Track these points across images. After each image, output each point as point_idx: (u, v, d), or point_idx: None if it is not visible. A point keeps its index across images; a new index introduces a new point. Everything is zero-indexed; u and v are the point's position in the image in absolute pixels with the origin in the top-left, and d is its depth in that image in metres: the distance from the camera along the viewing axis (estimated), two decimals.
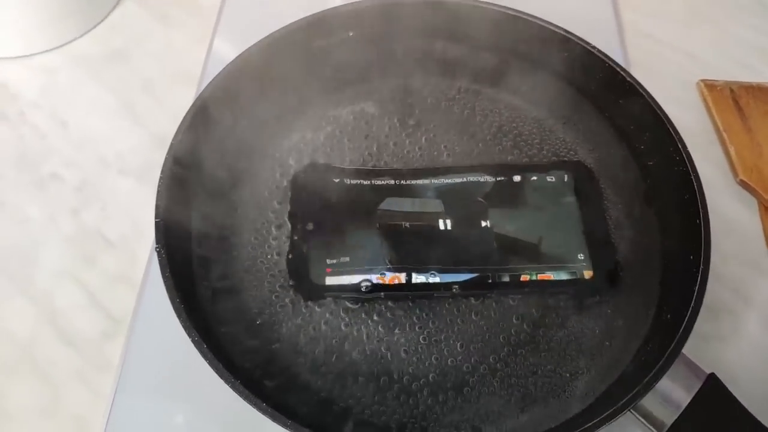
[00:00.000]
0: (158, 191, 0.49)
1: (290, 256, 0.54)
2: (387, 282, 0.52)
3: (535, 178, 0.58)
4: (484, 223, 0.55)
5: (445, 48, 0.63)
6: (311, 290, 0.53)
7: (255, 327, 0.52)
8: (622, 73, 0.56)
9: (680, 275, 0.50)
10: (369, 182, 0.57)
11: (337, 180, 0.57)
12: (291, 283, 0.53)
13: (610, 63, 0.57)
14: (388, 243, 0.54)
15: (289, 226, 0.56)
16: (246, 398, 0.42)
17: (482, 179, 0.57)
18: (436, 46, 0.62)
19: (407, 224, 0.55)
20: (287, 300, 0.53)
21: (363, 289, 0.52)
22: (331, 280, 0.53)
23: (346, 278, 0.53)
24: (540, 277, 0.53)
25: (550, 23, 0.58)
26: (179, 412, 0.51)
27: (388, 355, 0.51)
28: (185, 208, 0.52)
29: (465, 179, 0.58)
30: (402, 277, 0.52)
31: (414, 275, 0.53)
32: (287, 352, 0.51)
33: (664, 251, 0.53)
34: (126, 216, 0.60)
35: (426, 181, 0.57)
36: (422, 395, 0.49)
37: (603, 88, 0.58)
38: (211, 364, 0.43)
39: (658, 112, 0.54)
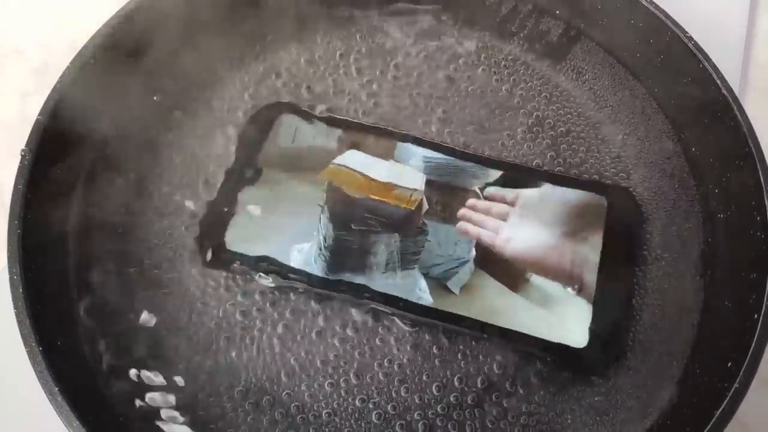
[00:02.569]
0: (55, 86, 0.39)
1: (209, 207, 0.42)
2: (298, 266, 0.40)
3: (561, 193, 0.42)
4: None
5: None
6: (218, 254, 0.41)
7: (130, 287, 0.40)
8: (725, 92, 0.40)
9: (705, 383, 0.35)
10: (339, 131, 0.44)
11: (302, 125, 0.44)
12: (197, 239, 0.41)
13: (713, 74, 0.40)
14: (331, 219, 0.41)
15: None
16: (39, 374, 0.32)
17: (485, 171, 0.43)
18: None
19: (370, 196, 0.41)
20: (187, 260, 0.41)
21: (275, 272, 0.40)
22: (247, 248, 0.40)
23: (260, 248, 0.40)
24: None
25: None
26: None
27: (273, 366, 0.39)
28: (89, 113, 0.41)
29: (466, 164, 0.43)
30: (313, 265, 0.40)
31: (340, 272, 0.40)
32: (161, 332, 0.39)
33: (697, 342, 0.37)
34: None
35: (415, 148, 0.43)
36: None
37: (688, 103, 0.42)
38: (17, 315, 0.33)
39: (753, 151, 0.38)
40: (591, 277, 0.39)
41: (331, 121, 0.45)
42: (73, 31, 0.54)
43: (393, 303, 0.39)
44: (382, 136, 0.44)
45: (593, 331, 0.38)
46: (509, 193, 0.42)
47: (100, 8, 0.55)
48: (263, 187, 0.42)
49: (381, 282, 0.39)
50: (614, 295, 0.39)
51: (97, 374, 0.36)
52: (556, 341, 0.38)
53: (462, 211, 0.42)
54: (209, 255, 0.41)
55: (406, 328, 0.39)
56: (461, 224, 0.41)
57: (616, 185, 0.43)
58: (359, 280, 0.39)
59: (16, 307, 0.33)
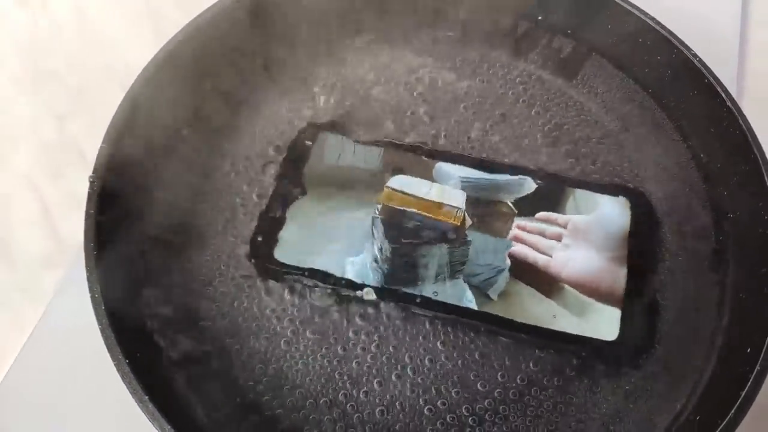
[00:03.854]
0: (115, 114, 0.41)
1: (259, 221, 0.45)
2: (351, 277, 0.43)
3: (582, 197, 0.46)
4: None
5: (518, 20, 0.51)
6: (270, 266, 0.44)
7: (191, 295, 0.43)
8: (729, 104, 0.44)
9: (728, 367, 0.39)
10: (378, 155, 0.47)
11: (345, 146, 0.48)
12: (249, 252, 0.44)
13: (717, 87, 0.44)
14: (383, 233, 0.44)
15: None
16: (128, 385, 0.34)
17: (519, 181, 0.47)
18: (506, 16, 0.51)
19: (413, 210, 0.45)
20: (243, 274, 0.44)
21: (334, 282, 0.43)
22: (297, 260, 0.44)
23: (318, 261, 0.43)
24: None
25: (653, 19, 0.46)
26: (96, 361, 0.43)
27: (329, 370, 0.42)
28: (148, 140, 0.44)
29: (497, 178, 0.47)
30: (368, 277, 0.43)
31: (396, 281, 0.43)
32: (221, 336, 0.42)
33: (716, 332, 0.41)
34: None
35: (451, 168, 0.47)
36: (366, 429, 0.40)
37: (695, 112, 0.46)
38: (102, 330, 0.35)
39: (758, 156, 0.42)
40: (621, 285, 0.43)
41: (371, 141, 0.48)
42: (107, 54, 0.57)
43: (443, 309, 0.42)
44: (420, 156, 0.47)
45: (622, 327, 0.42)
46: (561, 217, 0.45)
47: (132, 32, 0.58)
48: (310, 203, 0.45)
49: (432, 290, 0.43)
50: (640, 294, 0.43)
51: (174, 383, 0.39)
52: (588, 336, 0.42)
53: (515, 233, 0.45)
54: (262, 267, 0.44)
55: (451, 331, 0.43)
56: (518, 247, 0.44)
57: (633, 188, 0.47)
58: (411, 289, 0.43)
59: (100, 323, 0.36)
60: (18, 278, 0.48)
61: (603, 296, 0.43)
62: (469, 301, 0.42)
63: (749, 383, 0.36)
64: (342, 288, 0.43)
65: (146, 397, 0.34)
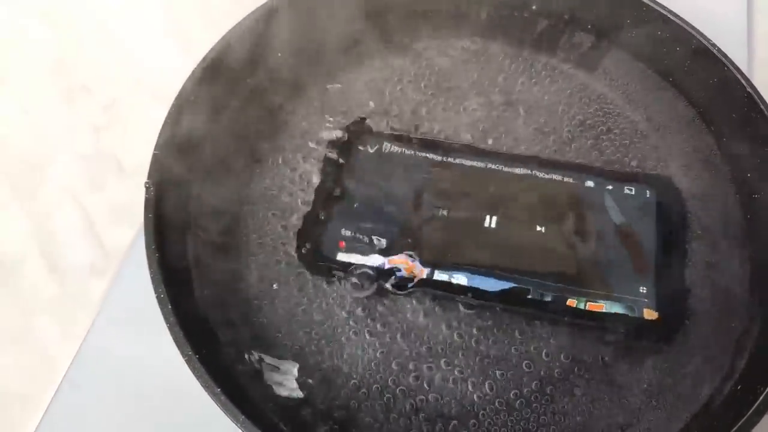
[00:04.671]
0: (165, 121, 0.43)
1: (304, 221, 0.47)
2: (404, 273, 0.44)
3: (610, 187, 0.47)
4: (538, 228, 0.46)
5: (539, 12, 0.53)
6: (316, 262, 0.46)
7: (245, 295, 0.45)
8: (749, 89, 0.46)
9: (763, 341, 0.40)
10: (413, 153, 0.49)
11: (379, 146, 0.49)
12: (297, 250, 0.46)
13: (736, 74, 0.46)
14: (418, 228, 0.46)
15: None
16: (200, 378, 0.36)
17: (547, 176, 0.48)
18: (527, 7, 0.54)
19: (445, 212, 0.46)
20: (291, 272, 0.46)
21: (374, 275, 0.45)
22: (342, 257, 0.45)
23: (359, 257, 0.45)
24: (590, 306, 0.43)
25: (671, 11, 0.49)
26: (147, 365, 0.45)
27: (380, 359, 0.43)
28: (194, 146, 0.45)
29: (527, 171, 0.48)
30: (425, 272, 0.44)
31: (437, 272, 0.44)
32: (274, 332, 0.44)
33: (749, 308, 0.43)
34: (148, 145, 0.55)
35: (480, 164, 0.48)
36: (417, 418, 0.42)
37: (716, 99, 0.48)
38: (171, 329, 0.37)
39: None
40: (651, 262, 0.45)
41: (399, 138, 0.50)
42: (136, 68, 0.58)
43: (484, 296, 0.44)
44: (452, 153, 0.49)
45: (658, 306, 0.43)
46: None
47: (157, 45, 0.59)
48: (351, 203, 0.47)
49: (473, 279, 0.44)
50: (670, 274, 0.45)
51: (237, 376, 0.41)
52: (626, 315, 0.43)
53: None
54: (310, 264, 0.45)
55: (490, 316, 0.44)
56: None
57: (658, 175, 0.49)
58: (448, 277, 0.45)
59: (167, 322, 0.37)
60: (66, 288, 0.49)
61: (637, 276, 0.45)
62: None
63: None
64: (387, 280, 0.45)
65: (218, 390, 0.35)
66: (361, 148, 0.49)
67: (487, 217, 0.46)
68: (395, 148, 0.49)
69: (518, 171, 0.48)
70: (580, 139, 0.51)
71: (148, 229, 0.40)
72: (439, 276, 0.44)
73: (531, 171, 0.48)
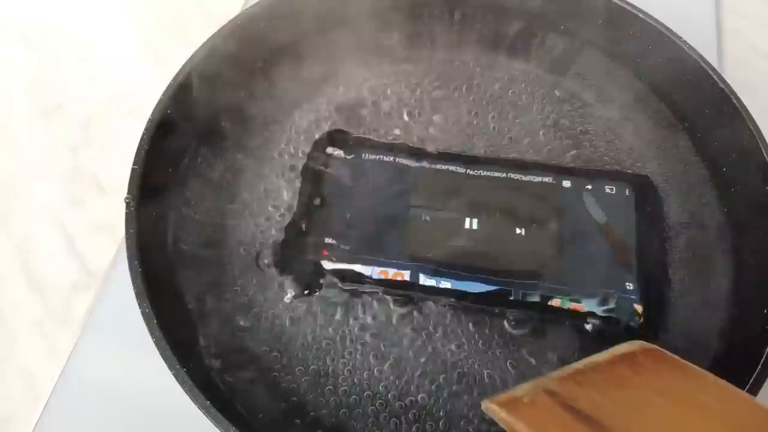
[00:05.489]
0: (142, 137, 0.43)
1: (287, 232, 0.47)
2: (390, 278, 0.45)
3: (589, 186, 0.48)
4: (518, 230, 0.46)
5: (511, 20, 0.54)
6: (300, 272, 0.46)
7: (228, 306, 0.45)
8: (721, 85, 0.46)
9: (744, 336, 0.41)
10: (392, 159, 0.49)
11: (357, 153, 0.49)
12: (279, 261, 0.46)
13: (710, 72, 0.47)
14: (399, 233, 0.46)
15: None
16: (189, 392, 0.36)
17: (525, 178, 0.48)
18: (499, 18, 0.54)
19: (427, 217, 0.47)
20: (275, 283, 0.46)
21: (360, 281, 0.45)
22: (327, 265, 0.45)
23: (343, 265, 0.45)
24: (573, 306, 0.44)
25: (642, 11, 0.49)
26: (132, 383, 0.45)
27: (368, 366, 0.44)
28: (173, 160, 0.45)
29: (505, 174, 0.48)
30: (406, 275, 0.44)
31: (422, 276, 0.44)
32: (259, 343, 0.44)
33: (731, 298, 0.44)
34: (126, 161, 0.54)
35: (459, 170, 0.49)
36: (407, 419, 0.42)
37: (689, 96, 0.49)
38: (156, 342, 0.37)
39: (755, 135, 0.44)
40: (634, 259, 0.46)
41: (377, 146, 0.50)
42: (111, 85, 0.58)
43: (467, 298, 0.45)
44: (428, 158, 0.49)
45: (643, 301, 0.44)
46: None
47: (134, 63, 0.59)
48: (332, 211, 0.47)
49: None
50: (654, 269, 0.46)
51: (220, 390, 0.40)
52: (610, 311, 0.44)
53: None
54: (293, 274, 0.45)
55: (480, 318, 0.45)
56: None
57: (634, 173, 0.50)
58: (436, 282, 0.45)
59: (153, 336, 0.37)
60: (49, 307, 0.49)
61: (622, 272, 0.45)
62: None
63: None
64: (376, 286, 0.45)
65: (208, 403, 0.35)
66: (339, 157, 0.49)
67: (467, 220, 0.46)
68: (373, 156, 0.49)
69: (497, 174, 0.48)
70: (555, 140, 0.51)
71: (130, 243, 0.39)
72: (425, 281, 0.44)
73: (509, 174, 0.48)
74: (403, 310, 0.45)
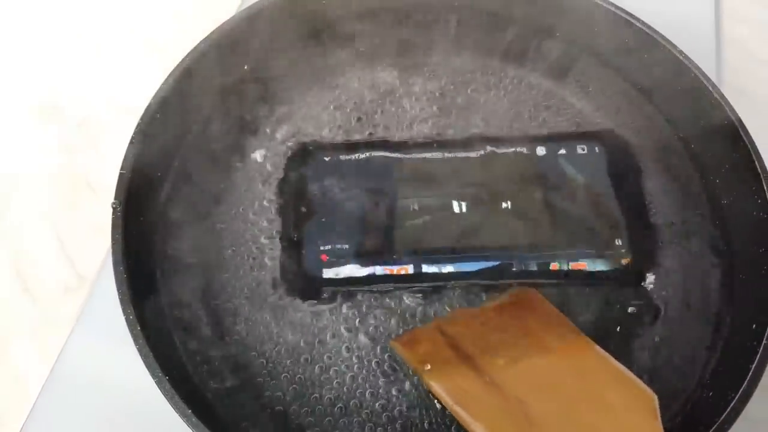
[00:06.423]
0: (130, 142, 0.43)
1: (281, 247, 0.47)
2: (395, 273, 0.45)
3: (563, 151, 0.49)
4: (504, 204, 0.47)
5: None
6: (305, 285, 0.46)
7: (214, 312, 0.45)
8: (716, 95, 0.46)
9: (735, 344, 0.42)
10: (369, 155, 0.50)
11: (331, 157, 0.50)
12: (281, 276, 0.46)
13: (701, 78, 0.46)
14: (393, 228, 0.47)
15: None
16: (170, 400, 0.36)
17: (500, 151, 0.49)
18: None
19: (416, 206, 0.47)
20: (263, 289, 0.46)
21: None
22: (328, 273, 0.46)
23: (345, 269, 0.46)
24: (573, 266, 0.46)
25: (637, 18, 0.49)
26: (121, 385, 0.44)
27: (360, 371, 0.44)
28: (161, 165, 0.45)
29: (482, 152, 0.49)
30: (410, 268, 0.45)
31: (425, 265, 0.45)
32: (245, 350, 0.44)
33: (721, 312, 0.44)
34: (119, 165, 0.54)
35: (437, 155, 0.49)
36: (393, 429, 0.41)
37: (685, 105, 0.48)
38: (139, 349, 0.37)
39: (745, 140, 0.44)
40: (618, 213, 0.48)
41: (355, 145, 0.50)
42: (107, 85, 0.58)
43: (469, 277, 0.46)
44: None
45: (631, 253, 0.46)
46: None
47: (132, 62, 0.59)
48: (321, 218, 0.47)
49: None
50: (638, 223, 0.48)
51: (210, 395, 0.40)
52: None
53: None
54: (297, 287, 0.46)
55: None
56: None
57: (603, 130, 0.51)
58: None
59: (137, 343, 0.37)
60: (39, 308, 0.49)
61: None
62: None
63: (758, 357, 0.38)
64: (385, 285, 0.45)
65: (189, 411, 0.35)
66: (319, 161, 0.49)
67: (455, 203, 0.47)
68: (353, 156, 0.50)
69: (473, 154, 0.49)
70: (525, 115, 0.52)
71: (116, 249, 0.39)
72: (428, 269, 0.45)
73: (485, 150, 0.49)
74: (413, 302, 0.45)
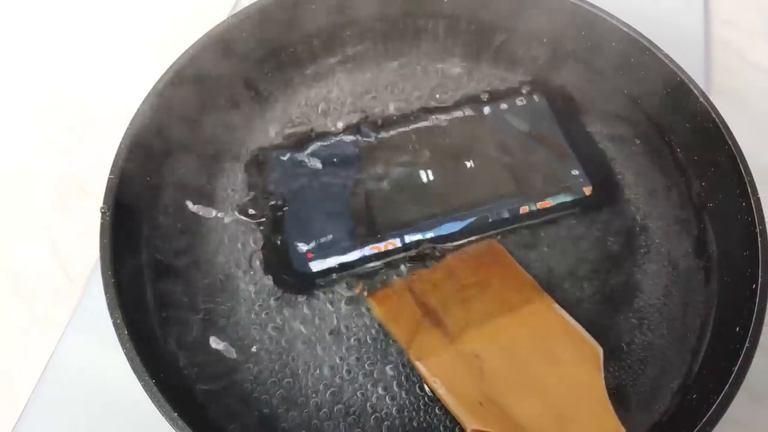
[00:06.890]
0: (119, 147, 0.43)
1: (264, 248, 0.47)
2: (383, 250, 0.47)
3: (505, 105, 0.53)
4: (468, 164, 0.50)
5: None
6: (297, 281, 0.46)
7: (202, 315, 0.45)
8: (702, 100, 0.46)
9: (719, 347, 0.42)
10: (330, 142, 0.51)
11: (295, 152, 0.51)
12: (269, 278, 0.46)
13: (686, 82, 0.47)
14: (369, 207, 0.48)
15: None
16: (157, 403, 0.36)
17: (450, 117, 0.52)
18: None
19: (386, 184, 0.49)
20: (250, 292, 0.46)
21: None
22: (315, 266, 0.46)
23: (333, 259, 0.46)
24: (540, 205, 0.49)
25: (625, 23, 0.49)
26: (111, 388, 0.45)
27: (347, 375, 0.44)
28: (150, 169, 0.46)
29: (433, 122, 0.52)
30: (397, 242, 0.47)
31: (407, 237, 0.47)
32: (233, 353, 0.44)
33: (706, 315, 0.44)
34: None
35: (393, 132, 0.52)
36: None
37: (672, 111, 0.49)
38: (127, 355, 0.37)
39: (727, 139, 0.45)
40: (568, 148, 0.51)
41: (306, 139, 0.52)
42: (105, 88, 0.58)
43: (452, 238, 0.48)
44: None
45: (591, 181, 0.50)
46: None
47: (128, 65, 0.59)
48: (296, 213, 0.48)
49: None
50: (589, 151, 0.51)
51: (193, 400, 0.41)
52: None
53: None
54: (288, 286, 0.46)
55: None
56: None
57: (536, 79, 0.54)
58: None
59: (124, 348, 0.37)
60: (30, 311, 0.49)
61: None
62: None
63: (740, 359, 0.38)
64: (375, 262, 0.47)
65: (175, 414, 0.35)
66: (280, 161, 0.50)
67: (422, 173, 0.50)
68: (314, 147, 0.51)
69: (427, 124, 0.52)
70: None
71: (104, 254, 0.40)
72: (411, 238, 0.47)
73: (436, 119, 0.52)
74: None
